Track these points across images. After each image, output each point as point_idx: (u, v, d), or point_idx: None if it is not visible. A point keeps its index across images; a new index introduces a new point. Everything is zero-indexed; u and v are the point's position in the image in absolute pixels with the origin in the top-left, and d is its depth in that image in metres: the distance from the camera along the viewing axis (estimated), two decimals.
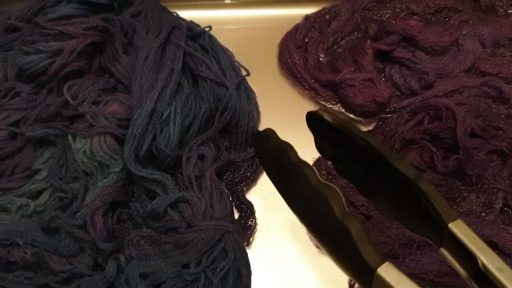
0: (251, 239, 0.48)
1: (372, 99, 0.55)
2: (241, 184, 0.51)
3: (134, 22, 0.58)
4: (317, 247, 0.47)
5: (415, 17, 0.63)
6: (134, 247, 0.44)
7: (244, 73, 0.58)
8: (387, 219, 0.46)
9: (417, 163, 0.49)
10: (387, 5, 0.65)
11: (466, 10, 0.64)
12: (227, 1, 0.69)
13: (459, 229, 0.32)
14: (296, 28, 0.64)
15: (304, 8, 0.66)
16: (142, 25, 0.57)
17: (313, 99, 0.58)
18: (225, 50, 0.59)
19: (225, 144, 0.53)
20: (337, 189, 0.33)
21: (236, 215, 0.49)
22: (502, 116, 0.53)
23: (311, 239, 0.47)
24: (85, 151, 0.50)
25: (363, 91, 0.55)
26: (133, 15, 0.60)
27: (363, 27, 0.62)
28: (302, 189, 0.35)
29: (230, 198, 0.50)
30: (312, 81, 0.58)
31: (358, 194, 0.47)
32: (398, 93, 0.57)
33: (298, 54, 0.61)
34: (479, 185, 0.48)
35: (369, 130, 0.54)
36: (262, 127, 0.55)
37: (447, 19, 0.63)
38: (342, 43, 0.62)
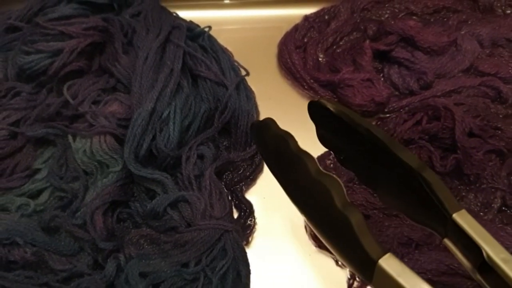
0: (250, 239, 0.48)
1: (371, 99, 0.55)
2: (241, 184, 0.51)
3: (134, 22, 0.58)
4: (316, 246, 0.47)
5: (414, 17, 0.64)
6: (134, 247, 0.44)
7: (243, 73, 0.58)
8: (386, 219, 0.46)
9: None
10: (386, 5, 0.65)
11: (464, 10, 0.64)
12: (226, 1, 0.69)
13: (463, 219, 0.31)
14: (295, 28, 0.64)
15: (303, 8, 0.66)
16: (142, 25, 0.57)
17: (312, 99, 0.58)
18: (224, 50, 0.59)
19: (225, 143, 0.53)
20: (338, 179, 0.32)
21: (236, 215, 0.49)
22: (500, 116, 0.53)
23: (310, 238, 0.47)
24: (85, 150, 0.50)
25: (362, 91, 0.55)
26: (133, 15, 0.60)
27: (362, 27, 0.63)
28: (302, 179, 0.34)
29: (230, 198, 0.50)
30: (311, 81, 0.59)
31: (356, 194, 0.47)
32: (396, 93, 0.58)
33: (297, 54, 0.61)
34: (477, 185, 0.48)
35: None
36: None
37: (445, 19, 0.63)
38: (341, 43, 0.62)
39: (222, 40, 0.61)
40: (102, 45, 0.57)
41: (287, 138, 0.36)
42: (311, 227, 0.35)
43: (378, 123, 0.55)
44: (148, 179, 0.47)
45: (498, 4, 0.64)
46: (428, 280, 0.41)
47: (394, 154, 0.34)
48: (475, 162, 0.48)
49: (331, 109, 0.38)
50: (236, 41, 0.63)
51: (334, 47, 0.62)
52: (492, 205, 0.47)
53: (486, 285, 0.31)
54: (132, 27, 0.58)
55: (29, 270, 0.43)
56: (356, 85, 0.55)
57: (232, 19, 0.68)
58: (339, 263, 0.46)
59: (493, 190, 0.48)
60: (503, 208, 0.48)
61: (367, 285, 0.44)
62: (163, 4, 0.63)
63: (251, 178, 0.52)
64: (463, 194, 0.48)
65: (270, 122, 0.38)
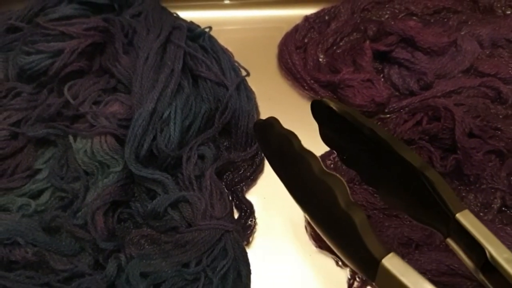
0: (250, 239, 0.48)
1: (371, 100, 0.55)
2: (241, 184, 0.51)
3: (135, 22, 0.58)
4: (317, 246, 0.47)
5: (414, 18, 0.64)
6: (135, 247, 0.44)
7: (244, 73, 0.58)
8: (386, 219, 0.46)
9: None
10: (386, 6, 0.65)
11: (464, 11, 0.64)
12: (226, 2, 0.69)
13: (466, 219, 0.31)
14: (296, 28, 0.64)
15: (304, 9, 0.66)
16: (143, 26, 0.57)
17: (313, 99, 0.59)
18: (225, 51, 0.59)
19: (225, 144, 0.53)
20: (341, 178, 0.32)
21: (236, 215, 0.49)
22: (500, 117, 0.54)
23: (310, 239, 0.47)
24: (85, 151, 0.50)
25: (362, 92, 0.55)
26: (134, 15, 0.60)
27: (362, 28, 0.63)
28: (306, 178, 0.34)
29: (230, 198, 0.50)
30: (312, 81, 0.59)
31: (357, 194, 0.47)
32: (397, 93, 0.58)
33: (297, 55, 0.61)
34: (477, 185, 0.48)
35: None
36: None
37: (445, 20, 0.63)
38: (341, 43, 0.62)
39: (222, 40, 0.61)
40: (103, 46, 0.57)
41: (290, 137, 0.36)
42: (314, 226, 0.35)
43: (378, 123, 0.55)
44: (148, 179, 0.47)
45: (498, 5, 0.64)
46: (428, 280, 0.42)
47: (397, 153, 0.34)
48: (475, 163, 0.48)
49: (334, 108, 0.38)
50: (237, 41, 0.63)
51: (334, 47, 0.62)
52: (492, 206, 0.47)
53: (489, 285, 0.31)
54: (133, 28, 0.58)
55: (30, 270, 0.43)
56: (356, 86, 0.56)
57: (232, 19, 0.68)
58: (339, 263, 0.46)
59: (493, 190, 0.48)
60: (503, 208, 0.48)
61: (367, 285, 0.44)
62: (164, 5, 0.63)
63: (251, 179, 0.52)
64: (463, 194, 0.48)
65: (273, 121, 0.38)
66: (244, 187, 0.51)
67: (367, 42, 0.60)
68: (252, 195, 0.51)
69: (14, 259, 0.43)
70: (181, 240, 0.44)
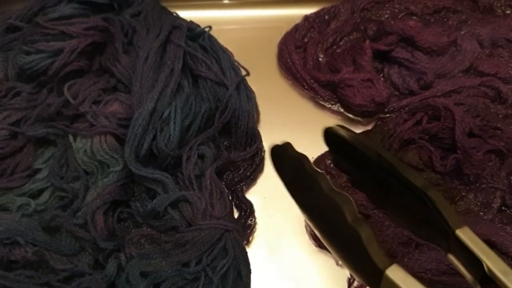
0: (250, 238, 0.48)
1: (371, 99, 0.55)
2: (241, 184, 0.51)
3: (134, 22, 0.58)
4: (316, 246, 0.47)
5: (414, 17, 0.64)
6: (135, 246, 0.44)
7: (243, 73, 0.58)
8: (386, 219, 0.46)
9: (415, 162, 0.49)
10: (386, 5, 0.65)
11: (464, 10, 0.64)
12: (226, 1, 0.69)
13: (465, 235, 0.33)
14: (296, 28, 0.64)
15: (304, 8, 0.66)
16: (142, 25, 0.57)
17: (312, 99, 0.59)
18: (224, 50, 0.59)
19: (225, 143, 0.53)
20: (349, 197, 0.34)
21: (236, 214, 0.49)
22: (500, 116, 0.54)
23: (310, 238, 0.47)
24: (85, 150, 0.50)
25: (362, 91, 0.55)
26: (133, 15, 0.60)
27: (362, 28, 0.63)
28: (316, 197, 0.36)
29: (230, 198, 0.50)
30: (311, 81, 0.59)
31: (356, 194, 0.47)
32: (396, 93, 0.58)
33: (297, 54, 0.61)
34: (477, 185, 0.48)
35: (367, 130, 0.55)
36: (261, 127, 0.56)
37: (445, 19, 0.63)
38: (341, 43, 0.62)
39: (222, 40, 0.61)
40: (103, 45, 0.57)
41: (303, 160, 0.39)
42: (323, 241, 0.38)
43: (378, 123, 0.55)
44: (148, 178, 0.47)
45: (498, 5, 0.64)
46: (428, 280, 0.42)
47: (401, 174, 0.37)
48: (475, 162, 0.48)
49: (344, 136, 0.41)
50: (236, 41, 0.63)
51: (334, 47, 0.62)
52: (492, 205, 0.47)
53: None
54: (133, 27, 0.58)
55: (30, 269, 0.43)
56: (356, 85, 0.56)
57: (232, 19, 0.68)
58: (339, 262, 0.46)
59: (492, 190, 0.48)
60: (503, 207, 0.48)
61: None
62: (163, 4, 0.63)
63: (251, 178, 0.52)
64: (463, 194, 0.48)
65: (287, 145, 0.41)
66: (244, 187, 0.51)
67: (367, 41, 0.60)
68: (252, 195, 0.51)
69: (14, 258, 0.43)
70: (181, 240, 0.44)
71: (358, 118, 0.57)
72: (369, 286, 0.33)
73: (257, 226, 0.49)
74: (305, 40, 0.63)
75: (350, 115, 0.57)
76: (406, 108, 0.55)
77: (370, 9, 0.65)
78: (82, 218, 0.46)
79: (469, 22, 0.62)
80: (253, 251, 0.47)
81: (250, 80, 0.58)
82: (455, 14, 0.63)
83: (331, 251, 0.37)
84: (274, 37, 0.64)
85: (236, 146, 0.53)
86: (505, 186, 0.48)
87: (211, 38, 0.60)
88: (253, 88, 0.58)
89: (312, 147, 0.48)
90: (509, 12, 0.64)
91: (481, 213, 0.47)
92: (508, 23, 0.61)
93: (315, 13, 0.65)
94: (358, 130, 0.53)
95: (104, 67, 0.56)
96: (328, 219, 0.36)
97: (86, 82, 0.55)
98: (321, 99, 0.58)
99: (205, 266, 0.42)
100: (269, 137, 0.54)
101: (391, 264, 0.31)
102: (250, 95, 0.56)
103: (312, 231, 0.47)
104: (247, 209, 0.49)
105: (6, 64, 0.56)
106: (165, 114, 0.49)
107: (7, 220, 0.45)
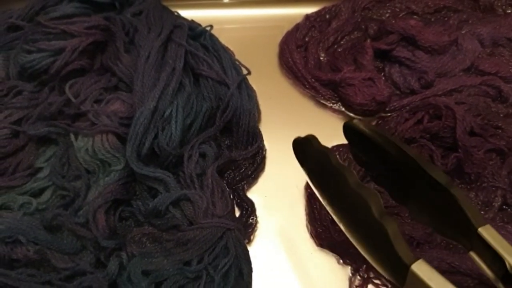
0: (252, 237, 0.48)
1: (372, 98, 0.55)
2: (242, 182, 0.51)
3: (136, 21, 0.58)
4: (318, 244, 0.47)
5: (415, 16, 0.64)
6: (136, 245, 0.44)
7: (245, 72, 0.58)
8: None
9: None
10: (387, 4, 0.65)
11: (465, 9, 0.64)
12: (226, 1, 0.69)
13: (488, 233, 0.33)
14: (297, 27, 0.64)
15: (305, 8, 0.66)
16: (144, 24, 0.57)
17: (314, 98, 0.59)
18: (226, 49, 0.60)
19: (226, 142, 0.53)
20: (376, 191, 0.34)
21: (237, 213, 0.49)
22: (501, 115, 0.54)
23: (311, 237, 0.47)
24: (87, 149, 0.50)
25: (363, 90, 0.55)
26: (135, 14, 0.60)
27: (363, 27, 0.63)
28: (342, 191, 0.36)
29: (231, 196, 0.50)
30: (313, 80, 0.59)
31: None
32: (398, 92, 0.58)
33: (298, 54, 0.61)
34: (478, 184, 0.48)
35: None
36: (262, 126, 0.56)
37: (446, 18, 0.63)
38: (342, 42, 0.62)
39: (223, 39, 0.61)
40: (104, 44, 0.57)
41: (328, 154, 0.38)
42: (348, 236, 0.38)
43: (379, 122, 0.55)
44: (150, 177, 0.47)
45: (499, 4, 0.64)
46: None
47: (423, 171, 0.36)
48: (476, 161, 0.48)
49: (364, 130, 0.41)
50: (238, 40, 0.63)
51: (335, 46, 0.62)
52: (493, 204, 0.47)
53: None
54: (134, 26, 0.58)
55: (32, 268, 0.43)
56: (357, 84, 0.56)
57: (233, 18, 0.68)
58: (340, 261, 0.46)
59: (493, 188, 0.48)
60: (504, 206, 0.48)
61: (368, 283, 0.44)
62: (165, 3, 0.63)
63: (252, 177, 0.52)
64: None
65: (312, 138, 0.40)
66: (245, 186, 0.51)
67: (368, 41, 0.60)
68: (253, 194, 0.51)
69: (15, 257, 0.43)
70: (182, 238, 0.44)
71: (359, 117, 0.57)
72: (395, 281, 0.33)
73: (258, 225, 0.49)
74: (306, 39, 0.63)
75: (351, 114, 0.57)
76: (407, 107, 0.55)
77: (371, 8, 0.65)
78: (83, 217, 0.46)
79: (470, 21, 0.62)
80: (254, 250, 0.47)
81: (251, 79, 0.58)
82: (456, 13, 0.63)
83: (356, 246, 0.37)
84: (275, 36, 0.64)
85: (237, 145, 0.53)
86: (506, 185, 0.48)
87: (212, 37, 0.60)
88: (254, 87, 0.58)
89: None
90: (509, 11, 0.64)
91: (482, 212, 0.47)
92: (509, 22, 0.61)
93: (316, 12, 0.65)
94: None
95: (105, 66, 0.56)
96: (354, 213, 0.36)
97: (87, 81, 0.55)
98: (322, 98, 0.58)
99: (206, 264, 0.42)
100: (270, 136, 0.54)
101: (417, 259, 0.31)
102: (251, 94, 0.56)
103: (314, 230, 0.47)
104: (249, 208, 0.49)
105: (8, 63, 0.56)
106: (167, 113, 0.49)
107: (9, 218, 0.45)
